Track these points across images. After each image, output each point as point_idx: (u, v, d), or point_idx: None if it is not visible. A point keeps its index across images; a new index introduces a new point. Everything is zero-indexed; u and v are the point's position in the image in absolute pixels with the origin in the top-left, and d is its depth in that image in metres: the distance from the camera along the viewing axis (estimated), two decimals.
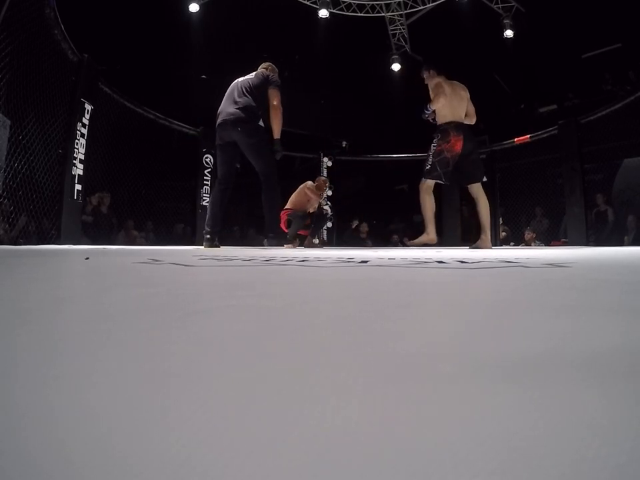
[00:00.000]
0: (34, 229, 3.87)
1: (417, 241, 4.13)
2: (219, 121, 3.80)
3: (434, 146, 4.00)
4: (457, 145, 3.90)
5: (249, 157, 3.85)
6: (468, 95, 4.08)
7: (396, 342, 0.35)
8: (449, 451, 0.17)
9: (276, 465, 0.16)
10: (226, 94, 3.92)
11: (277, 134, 3.81)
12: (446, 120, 3.97)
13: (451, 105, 3.98)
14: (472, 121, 4.06)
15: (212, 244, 3.80)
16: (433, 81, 4.10)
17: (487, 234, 3.97)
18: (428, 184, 4.01)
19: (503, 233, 7.44)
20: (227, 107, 3.83)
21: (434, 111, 4.03)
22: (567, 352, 0.31)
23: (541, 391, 0.23)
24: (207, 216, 3.91)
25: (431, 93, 4.10)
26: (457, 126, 3.94)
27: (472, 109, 4.08)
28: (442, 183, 4.03)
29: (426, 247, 4.67)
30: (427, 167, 3.99)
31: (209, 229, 3.83)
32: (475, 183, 4.03)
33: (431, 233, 4.01)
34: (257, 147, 3.74)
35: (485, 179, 4.11)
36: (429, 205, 4.02)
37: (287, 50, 8.47)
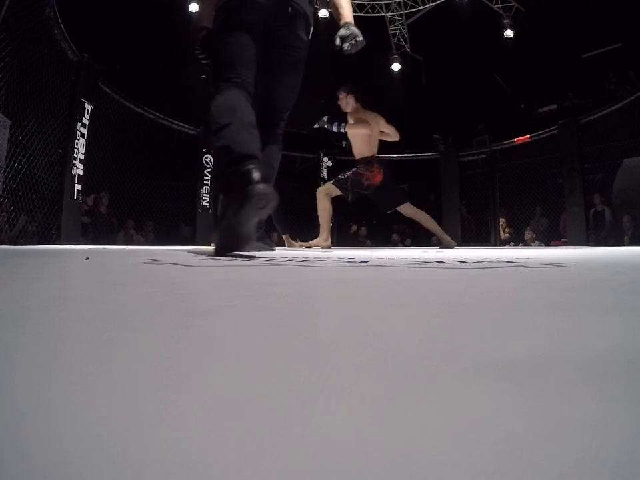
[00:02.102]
0: (34, 229, 3.87)
1: (309, 243, 4.29)
2: None
3: (355, 169, 4.20)
4: (377, 177, 4.14)
5: (275, 69, 2.15)
6: (382, 120, 4.27)
7: (396, 342, 0.35)
8: (449, 452, 0.17)
9: (276, 465, 0.16)
10: None
11: (349, 16, 2.28)
12: (366, 155, 4.16)
13: (373, 139, 4.18)
14: (396, 137, 4.28)
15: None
16: (355, 109, 4.23)
17: (442, 236, 4.25)
18: (329, 189, 4.19)
19: (507, 235, 7.44)
20: None
21: (340, 132, 4.18)
22: (567, 352, 0.31)
23: (541, 391, 0.23)
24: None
25: (350, 118, 4.20)
26: (378, 160, 4.18)
27: (391, 129, 4.28)
28: (346, 198, 4.25)
29: (427, 247, 4.71)
30: (341, 177, 4.20)
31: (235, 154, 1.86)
32: (400, 205, 4.31)
33: (325, 237, 4.20)
34: (300, 57, 2.18)
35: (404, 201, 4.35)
36: (327, 208, 4.20)
37: None
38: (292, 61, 2.15)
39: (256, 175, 1.58)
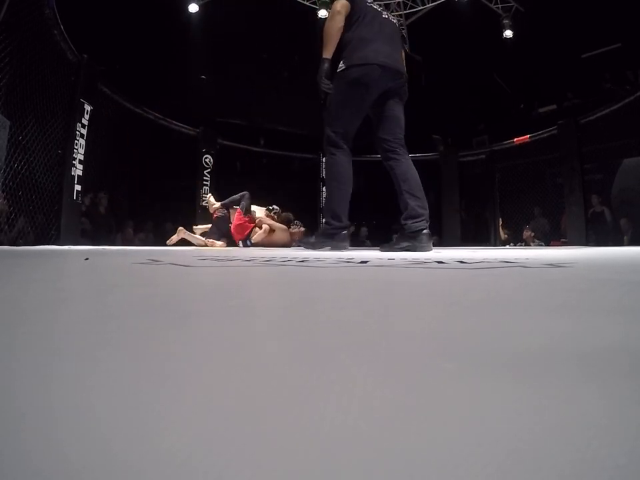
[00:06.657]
0: (33, 229, 3.87)
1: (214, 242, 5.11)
2: (379, 60, 2.70)
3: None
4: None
5: (388, 123, 2.90)
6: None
7: (395, 342, 0.35)
8: (449, 452, 0.17)
9: (276, 465, 0.16)
10: (371, 25, 2.79)
11: (324, 52, 2.90)
12: None
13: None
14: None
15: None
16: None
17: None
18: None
19: (505, 236, 7.44)
20: (387, 49, 2.77)
21: None
22: (566, 352, 0.31)
23: (540, 391, 0.23)
24: (335, 203, 2.84)
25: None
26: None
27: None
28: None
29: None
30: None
31: (342, 223, 2.79)
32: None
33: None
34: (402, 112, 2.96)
35: None
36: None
37: (287, 50, 8.47)
38: (402, 114, 2.97)
39: (343, 233, 2.90)
